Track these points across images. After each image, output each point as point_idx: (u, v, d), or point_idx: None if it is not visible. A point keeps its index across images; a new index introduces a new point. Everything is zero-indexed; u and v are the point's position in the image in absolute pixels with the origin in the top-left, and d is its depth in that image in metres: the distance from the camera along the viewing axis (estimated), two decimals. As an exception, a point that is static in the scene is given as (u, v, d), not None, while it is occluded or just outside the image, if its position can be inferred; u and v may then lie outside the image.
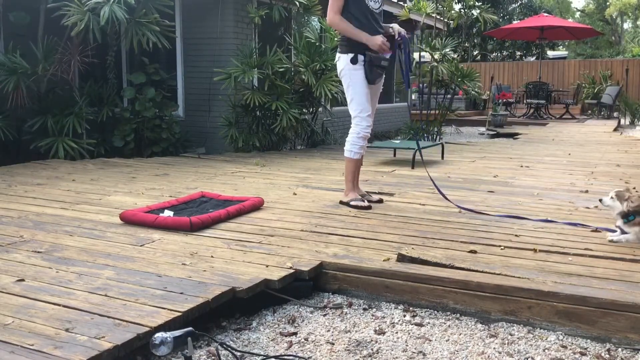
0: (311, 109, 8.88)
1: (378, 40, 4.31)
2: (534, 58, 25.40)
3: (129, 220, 4.00)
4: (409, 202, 4.76)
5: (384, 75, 4.60)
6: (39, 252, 3.34)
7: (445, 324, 2.79)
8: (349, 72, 4.46)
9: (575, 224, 4.00)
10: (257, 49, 8.36)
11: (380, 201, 4.73)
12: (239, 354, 2.42)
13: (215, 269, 3.05)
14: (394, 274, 3.01)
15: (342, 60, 4.49)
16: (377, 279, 3.04)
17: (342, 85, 4.53)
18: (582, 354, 2.49)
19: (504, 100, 16.48)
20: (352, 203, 4.54)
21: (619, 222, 3.58)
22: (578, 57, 30.93)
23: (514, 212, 4.36)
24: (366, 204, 4.53)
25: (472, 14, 13.39)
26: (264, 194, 5.00)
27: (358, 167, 4.65)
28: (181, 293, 2.69)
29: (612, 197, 3.60)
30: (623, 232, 3.57)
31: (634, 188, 5.41)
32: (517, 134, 12.12)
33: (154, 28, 7.11)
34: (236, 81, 7.70)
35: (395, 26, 4.53)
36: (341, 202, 4.64)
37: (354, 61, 4.40)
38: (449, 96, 11.39)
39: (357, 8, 4.38)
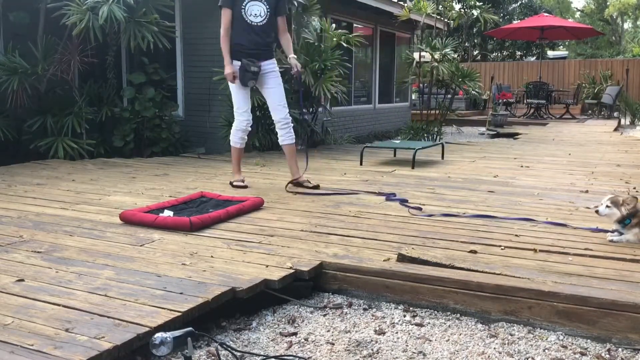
0: (311, 109, 8.87)
1: (228, 70, 5.19)
2: (534, 58, 25.40)
3: (128, 220, 3.99)
4: (409, 202, 4.75)
5: (266, 78, 5.29)
6: (38, 252, 3.34)
7: (445, 324, 2.78)
8: None
9: (559, 224, 4.00)
10: (257, 48, 8.34)
11: (317, 187, 5.36)
12: (239, 354, 2.42)
13: (215, 269, 3.05)
14: (394, 274, 3.01)
15: None
16: (377, 279, 3.04)
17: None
18: (583, 354, 2.49)
19: (504, 100, 16.48)
20: (235, 184, 5.40)
21: (617, 226, 3.58)
22: (578, 57, 30.89)
23: (514, 212, 4.36)
24: (243, 184, 5.40)
25: (473, 13, 13.40)
26: (264, 194, 4.99)
27: (240, 154, 5.54)
28: (181, 293, 2.69)
29: (607, 206, 3.58)
30: (621, 233, 3.57)
31: (634, 188, 5.41)
32: (517, 134, 12.12)
33: (152, 28, 7.10)
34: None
35: (292, 61, 5.34)
36: (230, 183, 5.48)
37: None
38: (449, 96, 11.39)
39: (237, 22, 5.19)
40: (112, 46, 7.74)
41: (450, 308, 2.90)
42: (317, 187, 5.35)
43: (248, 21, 5.17)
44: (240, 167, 5.57)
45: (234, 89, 5.29)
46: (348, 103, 11.92)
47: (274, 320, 2.82)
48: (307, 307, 2.96)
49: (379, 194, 5.08)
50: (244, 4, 5.17)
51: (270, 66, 5.32)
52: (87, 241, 3.58)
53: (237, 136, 5.44)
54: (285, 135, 5.39)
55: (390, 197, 4.94)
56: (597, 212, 3.67)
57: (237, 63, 5.20)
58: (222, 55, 5.39)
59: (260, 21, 5.20)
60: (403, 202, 4.73)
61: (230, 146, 5.52)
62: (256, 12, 5.19)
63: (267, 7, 5.23)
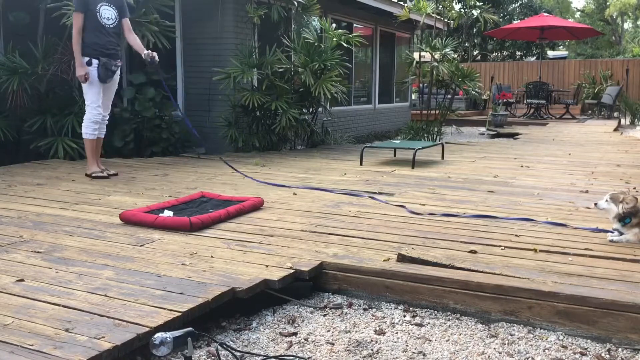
0: (311, 109, 8.87)
1: (81, 72, 5.67)
2: (534, 58, 25.39)
3: (128, 220, 3.99)
4: (409, 202, 4.75)
5: (115, 77, 5.93)
6: (38, 252, 3.34)
7: (445, 324, 2.78)
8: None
9: (559, 224, 4.00)
10: (257, 48, 8.36)
11: (116, 174, 5.95)
12: (239, 354, 2.42)
13: (215, 269, 3.05)
14: (394, 274, 3.01)
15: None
16: (377, 279, 3.04)
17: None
18: (583, 354, 2.49)
19: (504, 100, 16.48)
20: (94, 175, 5.77)
21: (616, 225, 3.58)
22: (578, 57, 30.91)
23: (514, 213, 4.36)
24: (105, 174, 5.81)
25: (473, 14, 13.43)
26: (264, 194, 4.99)
27: (95, 146, 5.93)
28: (181, 293, 2.69)
29: (607, 200, 3.60)
30: (621, 233, 3.57)
31: (634, 188, 5.41)
32: (517, 134, 12.12)
33: (152, 28, 7.10)
34: (235, 81, 7.69)
35: (146, 51, 5.88)
36: (86, 175, 5.83)
37: (89, 63, 5.69)
38: (449, 96, 11.39)
39: (92, 25, 5.68)
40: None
41: (450, 308, 2.90)
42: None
43: (102, 23, 5.74)
44: (97, 158, 5.96)
45: (90, 85, 5.76)
46: (348, 103, 11.92)
47: (274, 320, 2.82)
48: (307, 307, 2.96)
49: (374, 198, 4.96)
50: (97, 8, 5.71)
51: (119, 66, 5.99)
52: (87, 241, 3.58)
53: (91, 128, 5.86)
54: (103, 129, 6.04)
55: (381, 199, 4.88)
56: (595, 204, 3.69)
57: (96, 62, 5.70)
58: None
59: (112, 24, 5.83)
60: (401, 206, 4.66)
61: (84, 140, 5.91)
62: (108, 15, 5.80)
63: (116, 11, 5.87)
